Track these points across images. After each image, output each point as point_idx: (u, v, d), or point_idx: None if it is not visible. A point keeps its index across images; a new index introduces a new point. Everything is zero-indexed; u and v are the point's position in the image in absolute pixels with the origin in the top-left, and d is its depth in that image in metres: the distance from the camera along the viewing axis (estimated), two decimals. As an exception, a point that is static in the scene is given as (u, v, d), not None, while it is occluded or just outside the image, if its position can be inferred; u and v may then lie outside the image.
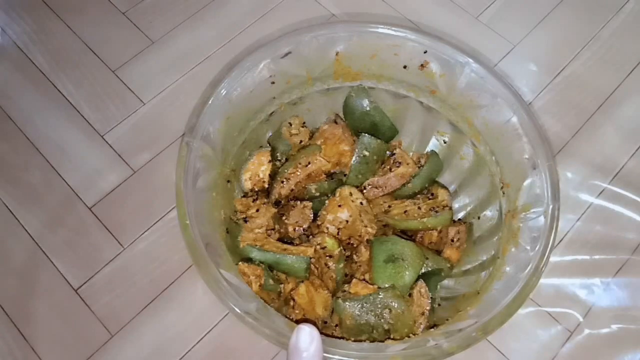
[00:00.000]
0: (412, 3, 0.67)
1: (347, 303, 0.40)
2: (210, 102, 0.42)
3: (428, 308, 0.42)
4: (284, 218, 0.46)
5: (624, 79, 0.63)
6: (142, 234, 0.55)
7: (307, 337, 0.31)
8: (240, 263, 0.41)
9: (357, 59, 0.47)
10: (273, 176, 0.48)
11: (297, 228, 0.46)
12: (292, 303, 0.42)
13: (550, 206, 0.38)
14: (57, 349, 0.50)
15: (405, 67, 0.46)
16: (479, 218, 0.47)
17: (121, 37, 0.66)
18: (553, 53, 0.65)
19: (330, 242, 0.44)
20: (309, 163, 0.47)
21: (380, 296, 0.40)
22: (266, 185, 0.48)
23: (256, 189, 0.48)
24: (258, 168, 0.48)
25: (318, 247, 0.44)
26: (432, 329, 0.40)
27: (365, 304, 0.40)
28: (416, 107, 0.49)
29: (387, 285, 0.41)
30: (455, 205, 0.50)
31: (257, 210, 0.45)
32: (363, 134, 0.48)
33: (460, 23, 0.67)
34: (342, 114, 0.51)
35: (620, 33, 0.66)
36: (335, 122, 0.50)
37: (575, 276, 0.53)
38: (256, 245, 0.42)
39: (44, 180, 0.57)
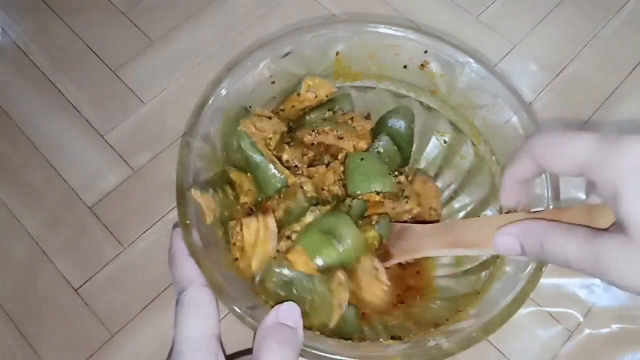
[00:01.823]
0: (412, 3, 0.67)
1: (276, 270, 0.38)
2: (210, 101, 0.42)
3: (346, 301, 0.39)
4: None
5: (624, 79, 0.63)
6: (142, 233, 0.55)
7: (291, 311, 0.30)
8: (192, 190, 0.38)
9: (357, 58, 0.47)
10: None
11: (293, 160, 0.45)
12: (237, 229, 0.40)
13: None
14: (57, 349, 0.50)
15: (405, 67, 0.46)
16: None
17: (121, 37, 0.65)
18: (553, 53, 0.65)
19: (311, 188, 0.43)
20: (343, 138, 0.46)
21: (305, 280, 0.38)
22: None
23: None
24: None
25: (299, 182, 0.43)
26: (432, 329, 0.40)
27: (293, 280, 0.38)
28: (416, 107, 0.49)
29: (320, 264, 0.39)
30: (456, 205, 0.49)
31: (270, 118, 0.44)
32: (384, 134, 0.47)
33: (461, 23, 0.67)
34: (375, 116, 0.50)
35: (621, 33, 0.66)
36: (367, 118, 0.49)
37: (575, 276, 0.53)
38: (251, 138, 0.42)
39: (44, 180, 0.57)
